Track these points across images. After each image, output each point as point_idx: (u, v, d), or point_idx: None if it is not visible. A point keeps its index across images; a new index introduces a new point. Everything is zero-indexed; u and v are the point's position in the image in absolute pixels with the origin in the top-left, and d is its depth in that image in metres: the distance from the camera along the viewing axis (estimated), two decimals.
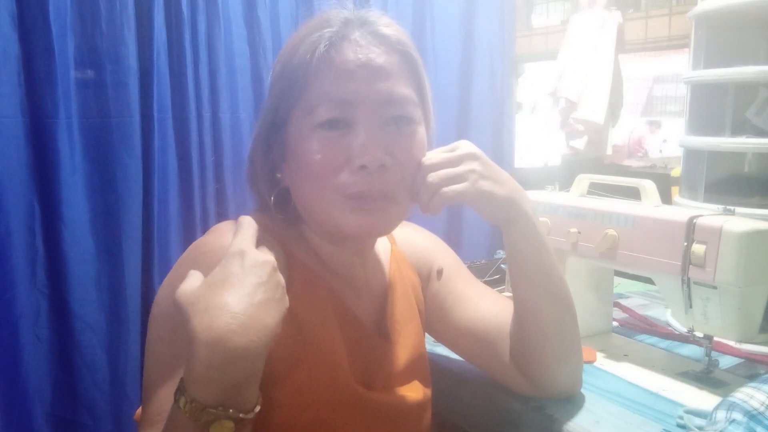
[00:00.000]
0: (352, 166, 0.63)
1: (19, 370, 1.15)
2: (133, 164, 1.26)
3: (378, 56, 0.65)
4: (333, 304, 0.70)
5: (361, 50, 0.64)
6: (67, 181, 1.20)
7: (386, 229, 0.71)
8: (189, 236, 1.35)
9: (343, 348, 0.69)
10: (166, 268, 1.30)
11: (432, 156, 0.68)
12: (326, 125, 0.64)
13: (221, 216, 1.40)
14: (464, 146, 0.69)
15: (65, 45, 1.18)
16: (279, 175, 0.71)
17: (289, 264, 0.68)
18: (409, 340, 0.79)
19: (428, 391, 0.80)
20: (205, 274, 0.55)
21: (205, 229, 1.37)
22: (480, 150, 0.70)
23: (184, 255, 0.67)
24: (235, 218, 0.66)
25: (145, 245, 1.30)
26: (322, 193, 0.65)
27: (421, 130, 0.69)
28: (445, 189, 0.66)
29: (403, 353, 0.77)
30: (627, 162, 3.38)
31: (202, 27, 1.33)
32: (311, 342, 0.66)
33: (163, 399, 0.57)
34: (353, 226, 0.65)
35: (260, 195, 0.72)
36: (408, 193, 0.68)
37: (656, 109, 6.14)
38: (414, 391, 0.76)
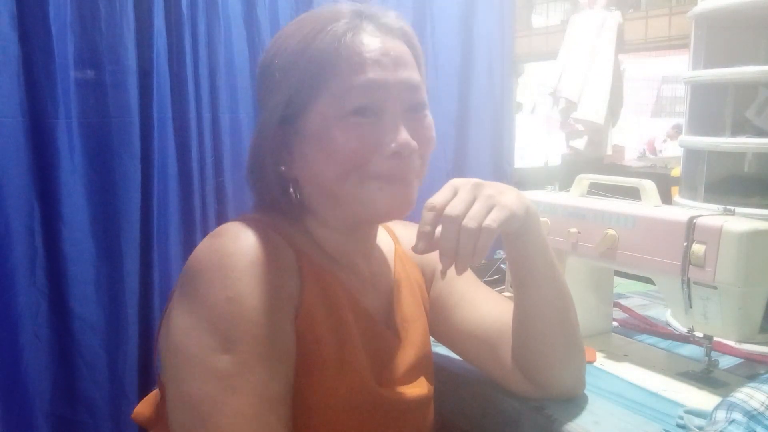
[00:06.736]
0: (385, 151, 0.65)
1: (19, 369, 1.15)
2: (132, 164, 1.26)
3: (396, 46, 0.68)
4: (347, 300, 0.70)
5: (379, 41, 0.66)
6: (66, 181, 1.19)
7: (411, 207, 0.70)
8: (188, 236, 1.35)
9: (360, 345, 0.69)
10: (165, 267, 1.30)
11: (450, 207, 0.63)
12: (358, 112, 0.65)
13: (221, 216, 1.40)
14: (456, 182, 0.66)
15: (65, 45, 1.17)
16: (283, 168, 0.70)
17: (298, 262, 0.67)
18: (417, 337, 0.79)
19: (432, 388, 0.80)
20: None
21: (205, 228, 1.38)
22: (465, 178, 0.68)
23: (201, 260, 0.62)
24: (236, 219, 0.67)
25: (144, 245, 1.29)
26: (348, 177, 0.66)
27: (430, 114, 0.72)
28: (487, 224, 0.62)
29: (411, 350, 0.77)
30: (627, 162, 3.38)
31: (202, 27, 1.33)
32: (328, 347, 0.66)
33: (237, 413, 0.56)
34: (383, 204, 0.67)
35: (265, 191, 0.71)
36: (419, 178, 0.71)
37: (665, 109, 6.12)
38: (420, 387, 0.76)
